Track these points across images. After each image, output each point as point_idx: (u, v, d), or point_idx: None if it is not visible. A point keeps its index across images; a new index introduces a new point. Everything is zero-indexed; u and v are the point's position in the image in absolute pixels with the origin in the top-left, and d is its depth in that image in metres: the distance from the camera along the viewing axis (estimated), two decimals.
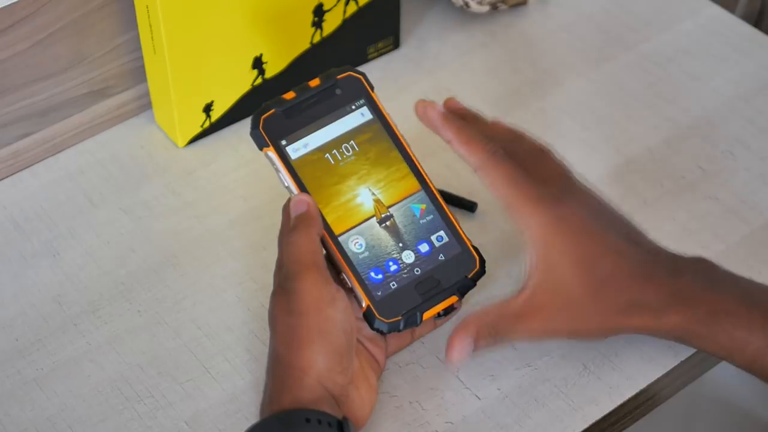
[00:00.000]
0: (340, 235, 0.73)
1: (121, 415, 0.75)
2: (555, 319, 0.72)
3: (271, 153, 0.74)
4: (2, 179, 0.90)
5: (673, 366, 0.77)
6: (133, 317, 0.81)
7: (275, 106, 0.74)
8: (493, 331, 0.72)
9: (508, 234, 0.85)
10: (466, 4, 1.00)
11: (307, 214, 0.72)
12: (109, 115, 0.94)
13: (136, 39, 0.91)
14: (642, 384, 0.76)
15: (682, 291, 0.71)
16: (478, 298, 0.80)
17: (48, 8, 0.85)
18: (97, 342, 0.80)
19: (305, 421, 0.65)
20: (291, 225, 0.72)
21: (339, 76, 0.76)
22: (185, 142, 0.93)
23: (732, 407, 0.97)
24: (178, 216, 0.88)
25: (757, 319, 0.70)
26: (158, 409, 0.76)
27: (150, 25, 0.86)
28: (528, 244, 0.72)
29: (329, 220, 0.73)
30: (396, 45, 1.00)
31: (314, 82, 0.76)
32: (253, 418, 0.74)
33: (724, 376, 0.82)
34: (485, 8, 1.00)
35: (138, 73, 0.93)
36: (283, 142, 0.74)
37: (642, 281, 0.71)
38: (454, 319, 0.78)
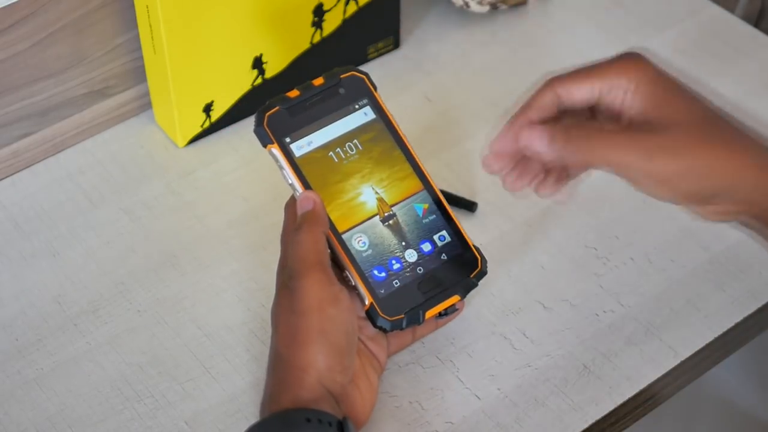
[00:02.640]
0: (344, 232, 0.74)
1: (121, 415, 0.75)
2: (678, 145, 0.66)
3: (275, 150, 0.74)
4: (2, 179, 0.90)
5: (673, 366, 0.77)
6: (133, 317, 0.81)
7: (279, 104, 0.74)
8: (579, 156, 0.67)
9: (508, 234, 0.85)
10: (466, 4, 1.00)
11: (313, 212, 0.72)
12: (109, 115, 0.94)
13: (136, 39, 0.91)
14: (642, 384, 0.76)
15: None
16: (478, 298, 0.80)
17: (48, 8, 0.85)
18: (97, 342, 0.80)
19: (306, 421, 0.65)
20: (297, 223, 0.72)
21: (342, 76, 0.76)
22: (185, 142, 0.93)
23: (732, 407, 0.97)
24: (178, 216, 0.88)
25: None
26: (158, 409, 0.76)
27: (150, 25, 0.86)
28: (638, 93, 0.68)
29: (333, 217, 0.73)
30: (396, 45, 1.00)
31: (318, 81, 0.76)
32: (253, 418, 0.74)
33: (724, 376, 0.82)
34: (485, 8, 1.00)
35: (138, 73, 0.93)
36: (287, 140, 0.74)
37: (742, 133, 0.68)
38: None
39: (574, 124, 0.69)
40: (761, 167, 0.66)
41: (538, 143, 0.67)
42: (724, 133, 0.67)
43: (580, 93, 0.70)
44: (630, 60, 0.69)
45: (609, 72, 0.69)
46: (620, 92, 0.69)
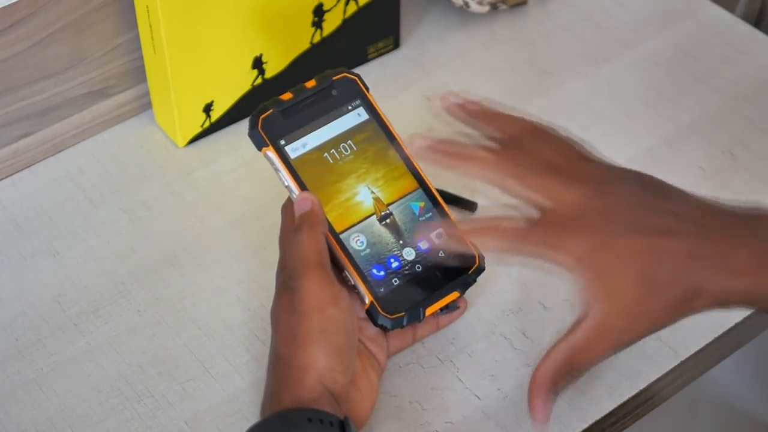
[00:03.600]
0: (342, 232, 0.74)
1: (121, 415, 0.75)
2: (629, 326, 0.67)
3: (271, 153, 0.74)
4: (2, 179, 0.90)
5: (673, 366, 0.77)
6: (133, 317, 0.81)
7: (273, 107, 0.75)
8: (569, 369, 0.67)
9: None
10: (466, 4, 1.00)
11: (311, 212, 0.72)
12: (109, 115, 0.94)
13: (136, 39, 0.91)
14: (642, 384, 0.76)
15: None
16: (478, 298, 0.80)
17: (48, 8, 0.85)
18: (97, 342, 0.80)
19: (307, 421, 0.65)
20: (296, 224, 0.72)
21: (335, 78, 0.77)
22: (185, 142, 0.93)
23: (732, 407, 0.97)
24: (178, 216, 0.88)
25: None
26: (158, 409, 0.76)
27: (150, 25, 0.86)
28: (574, 274, 0.68)
29: (330, 218, 0.74)
30: (396, 45, 1.00)
31: (310, 84, 0.76)
32: (253, 418, 0.74)
33: (724, 376, 0.82)
34: (485, 8, 1.00)
35: (138, 73, 0.93)
36: (282, 142, 0.74)
37: (699, 267, 0.66)
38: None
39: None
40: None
41: (545, 416, 0.68)
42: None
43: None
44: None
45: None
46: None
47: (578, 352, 0.67)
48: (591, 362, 0.67)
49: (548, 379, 0.67)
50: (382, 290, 0.73)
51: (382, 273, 0.74)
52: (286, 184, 0.74)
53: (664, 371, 0.77)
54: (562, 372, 0.67)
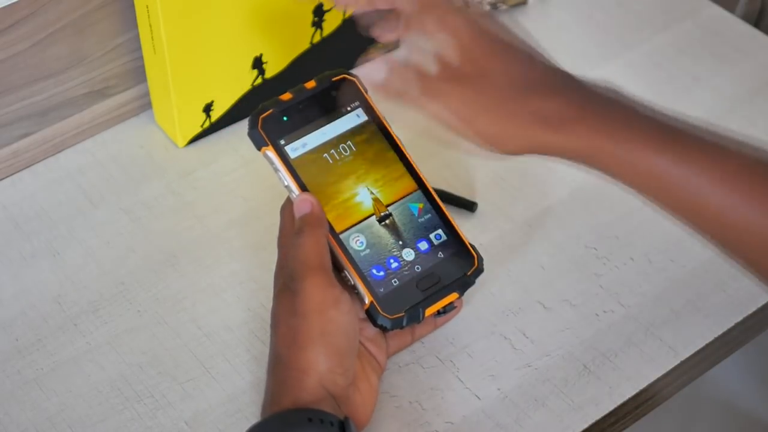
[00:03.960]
0: (341, 233, 0.74)
1: (121, 415, 0.75)
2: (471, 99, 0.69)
3: (270, 152, 0.74)
4: (2, 179, 0.91)
5: (673, 366, 0.77)
6: (133, 317, 0.81)
7: (272, 107, 0.75)
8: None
9: (508, 234, 0.85)
10: (467, 4, 0.99)
11: (312, 214, 0.72)
12: (109, 115, 0.94)
13: (136, 39, 0.91)
14: (642, 384, 0.76)
15: (587, 104, 0.69)
16: (478, 298, 0.80)
17: (48, 8, 0.85)
18: (97, 342, 0.80)
19: (307, 421, 0.65)
20: (297, 226, 0.72)
21: (334, 79, 0.77)
22: (185, 142, 0.93)
23: (732, 407, 0.97)
24: (178, 216, 0.88)
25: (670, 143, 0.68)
26: (158, 409, 0.76)
27: (150, 25, 0.86)
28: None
29: (330, 218, 0.74)
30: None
31: (310, 84, 0.76)
32: (253, 418, 0.74)
33: (724, 376, 0.82)
34: (485, 8, 1.00)
35: (138, 73, 0.93)
36: (282, 142, 0.74)
37: (542, 92, 0.70)
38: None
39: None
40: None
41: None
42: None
43: None
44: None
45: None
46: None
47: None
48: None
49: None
50: (381, 290, 0.73)
51: (381, 273, 0.74)
52: (286, 183, 0.74)
53: (664, 371, 0.77)
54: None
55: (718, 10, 1.04)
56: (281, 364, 0.69)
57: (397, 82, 0.70)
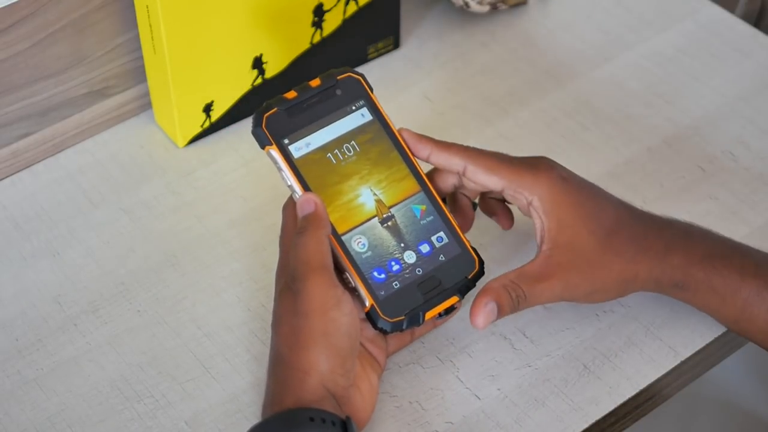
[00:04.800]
0: (343, 234, 0.74)
1: (121, 415, 0.75)
2: (573, 275, 0.73)
3: (274, 151, 0.74)
4: (2, 179, 0.90)
5: (673, 366, 0.77)
6: (133, 317, 0.81)
7: (277, 105, 0.74)
8: (514, 295, 0.73)
9: (509, 234, 0.85)
10: (466, 4, 1.00)
11: (315, 214, 0.72)
12: (109, 115, 0.94)
13: (136, 39, 0.91)
14: (642, 384, 0.76)
15: (680, 235, 0.75)
16: None
17: (48, 8, 0.85)
18: (97, 342, 0.80)
19: (308, 420, 0.65)
20: (299, 226, 0.71)
21: (339, 77, 0.76)
22: (185, 142, 0.93)
23: (732, 407, 0.97)
24: (178, 216, 0.88)
25: (749, 265, 0.74)
26: (158, 409, 0.76)
27: (150, 25, 0.86)
28: (536, 210, 0.74)
29: (332, 219, 0.73)
30: (396, 45, 1.00)
31: (315, 83, 0.76)
32: (254, 418, 0.74)
33: (725, 376, 0.82)
34: (485, 8, 1.00)
35: (138, 73, 0.93)
36: (286, 141, 0.74)
37: (644, 228, 0.75)
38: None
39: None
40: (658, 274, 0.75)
41: (484, 321, 0.73)
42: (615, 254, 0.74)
43: (486, 180, 0.76)
44: (534, 172, 0.75)
45: (514, 176, 0.75)
46: (523, 200, 0.75)
47: (527, 279, 0.73)
48: (535, 295, 0.73)
49: (493, 293, 0.72)
50: (382, 293, 0.73)
51: (383, 276, 0.73)
52: (289, 183, 0.74)
53: (664, 371, 0.77)
54: (506, 296, 0.72)
55: (718, 10, 1.04)
56: (283, 364, 0.69)
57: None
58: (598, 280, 0.74)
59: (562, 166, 0.76)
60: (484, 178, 0.75)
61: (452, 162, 0.76)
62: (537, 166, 0.75)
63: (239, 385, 0.77)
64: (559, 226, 0.74)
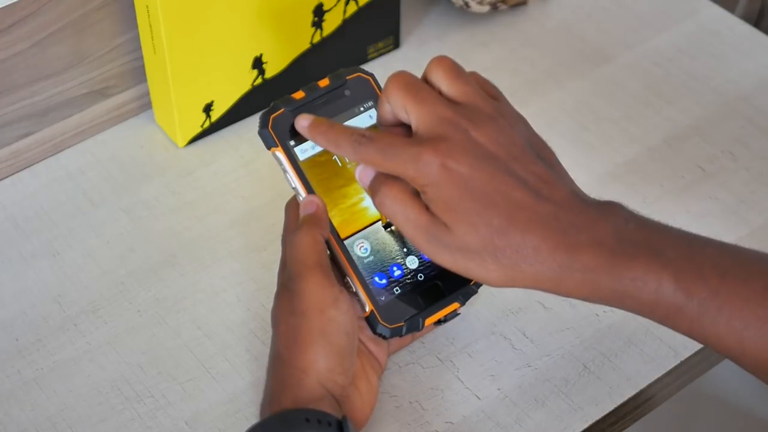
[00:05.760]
0: (346, 238, 0.73)
1: (121, 415, 0.75)
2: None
3: (279, 153, 0.73)
4: (2, 179, 0.91)
5: (673, 366, 0.77)
6: (133, 317, 0.81)
7: (284, 106, 0.73)
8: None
9: None
10: (466, 4, 1.00)
11: (314, 215, 0.71)
12: (109, 115, 0.94)
13: (136, 39, 0.91)
14: (642, 384, 0.76)
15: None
16: (478, 298, 0.80)
17: (48, 8, 0.85)
18: (97, 342, 0.80)
19: (305, 421, 0.65)
20: (298, 225, 0.71)
21: (348, 77, 0.75)
22: (185, 142, 0.93)
23: (732, 407, 0.97)
24: (178, 216, 0.88)
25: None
26: (158, 409, 0.76)
27: (150, 25, 0.86)
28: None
29: (335, 223, 0.73)
30: (396, 45, 1.00)
31: (323, 82, 0.74)
32: (253, 418, 0.74)
33: (724, 376, 0.82)
34: (485, 8, 1.00)
35: (138, 73, 0.93)
36: (292, 143, 0.73)
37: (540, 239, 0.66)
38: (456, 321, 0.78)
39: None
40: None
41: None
42: None
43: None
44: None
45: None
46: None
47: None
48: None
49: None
50: (383, 299, 0.73)
51: (384, 281, 0.73)
52: (294, 185, 0.73)
53: (664, 371, 0.77)
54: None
55: (718, 10, 1.04)
56: (281, 363, 0.69)
57: None
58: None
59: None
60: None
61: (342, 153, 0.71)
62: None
63: (239, 385, 0.77)
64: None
